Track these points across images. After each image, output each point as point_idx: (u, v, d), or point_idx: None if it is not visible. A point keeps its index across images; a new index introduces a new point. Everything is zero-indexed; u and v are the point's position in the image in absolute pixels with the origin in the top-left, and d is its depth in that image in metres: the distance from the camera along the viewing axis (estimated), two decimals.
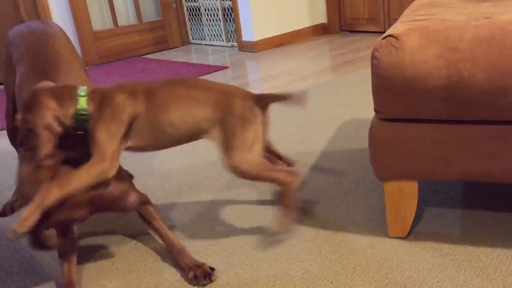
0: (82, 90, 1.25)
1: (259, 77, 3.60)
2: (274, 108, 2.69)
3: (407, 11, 1.54)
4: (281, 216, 1.37)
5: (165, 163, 2.17)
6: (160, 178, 2.01)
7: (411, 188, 1.35)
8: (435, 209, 1.55)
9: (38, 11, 4.17)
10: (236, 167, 1.29)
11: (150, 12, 4.96)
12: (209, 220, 1.65)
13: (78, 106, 1.23)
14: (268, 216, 1.63)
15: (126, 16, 4.83)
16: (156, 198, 1.85)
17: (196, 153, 2.24)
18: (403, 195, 1.36)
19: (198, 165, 2.11)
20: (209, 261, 1.42)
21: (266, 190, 1.79)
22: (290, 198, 1.35)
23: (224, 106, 1.29)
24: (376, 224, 1.50)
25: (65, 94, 1.24)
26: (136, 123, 1.27)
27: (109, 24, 4.68)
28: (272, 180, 1.33)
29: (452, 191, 1.64)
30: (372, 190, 1.71)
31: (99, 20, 4.64)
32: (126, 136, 1.26)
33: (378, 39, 1.27)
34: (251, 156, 1.29)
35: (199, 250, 1.48)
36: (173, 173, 2.05)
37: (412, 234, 1.43)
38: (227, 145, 1.29)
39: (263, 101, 1.35)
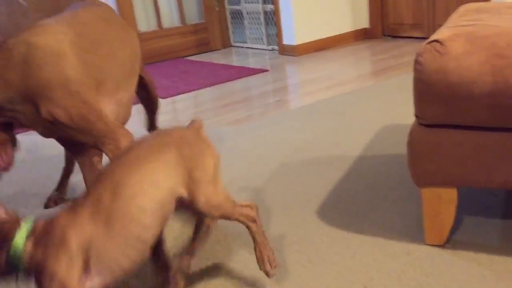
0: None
1: (299, 80, 3.61)
2: (309, 111, 2.71)
3: (453, 17, 1.52)
4: (263, 256, 1.21)
5: None
6: None
7: (450, 195, 1.33)
8: (474, 218, 1.52)
9: None
10: (209, 203, 1.08)
11: (193, 15, 5.05)
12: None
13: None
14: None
15: (170, 18, 4.94)
16: None
17: None
18: (441, 202, 1.34)
19: None
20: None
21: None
22: (259, 232, 1.20)
23: (178, 147, 1.06)
24: (413, 231, 1.48)
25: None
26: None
27: (153, 26, 4.80)
28: (241, 217, 1.16)
29: (493, 200, 1.60)
30: (409, 196, 1.69)
31: (144, 22, 4.76)
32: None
33: (422, 44, 1.26)
34: (219, 188, 1.11)
35: (232, 249, 1.51)
36: None
37: (450, 242, 1.40)
38: (192, 183, 1.06)
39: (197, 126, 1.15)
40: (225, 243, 1.53)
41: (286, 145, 2.28)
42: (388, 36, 4.61)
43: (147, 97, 1.99)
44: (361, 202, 1.70)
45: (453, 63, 1.18)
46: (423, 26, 4.25)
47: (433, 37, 1.25)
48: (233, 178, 2.01)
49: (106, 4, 1.72)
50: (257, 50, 4.86)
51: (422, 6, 4.21)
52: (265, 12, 4.75)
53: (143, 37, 4.64)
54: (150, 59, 4.64)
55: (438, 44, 1.20)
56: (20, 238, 0.94)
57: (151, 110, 2.06)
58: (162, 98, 3.30)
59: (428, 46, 1.22)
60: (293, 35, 4.34)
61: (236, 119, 2.81)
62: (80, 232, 0.94)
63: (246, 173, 2.04)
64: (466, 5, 1.70)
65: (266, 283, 1.32)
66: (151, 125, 2.11)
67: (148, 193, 0.99)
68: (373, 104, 2.73)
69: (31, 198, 2.04)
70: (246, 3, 4.91)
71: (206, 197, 1.07)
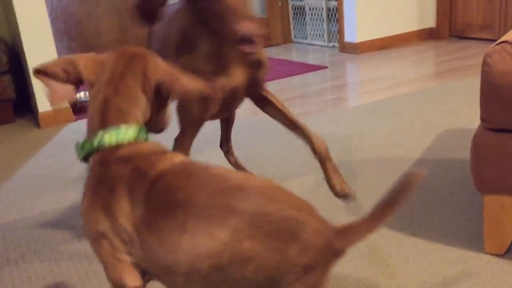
0: None
1: (358, 79, 3.56)
2: (368, 110, 2.66)
3: None
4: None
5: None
6: None
7: None
8: None
9: None
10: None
11: (255, 9, 5.09)
12: None
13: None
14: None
15: None
16: None
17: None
18: (504, 210, 1.29)
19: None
20: None
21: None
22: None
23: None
24: (471, 238, 1.44)
25: None
26: None
27: None
28: None
29: None
30: (469, 202, 1.63)
31: None
32: None
33: (490, 46, 1.21)
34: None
35: None
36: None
37: (510, 252, 1.35)
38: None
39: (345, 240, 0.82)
40: None
41: (342, 143, 2.27)
42: (455, 37, 4.44)
43: None
44: (418, 205, 1.66)
45: None
46: (494, 28, 4.06)
47: (504, 38, 1.20)
48: (287, 175, 2.02)
49: None
50: (317, 47, 4.83)
51: (493, 6, 4.02)
52: (328, 9, 4.71)
53: None
54: None
55: (509, 45, 1.16)
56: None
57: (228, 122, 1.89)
58: None
59: (498, 47, 1.18)
60: (355, 32, 4.28)
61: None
62: None
63: (301, 168, 2.05)
64: None
65: None
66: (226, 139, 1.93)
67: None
68: (435, 106, 2.65)
69: None
70: None
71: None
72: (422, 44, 4.39)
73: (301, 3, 5.01)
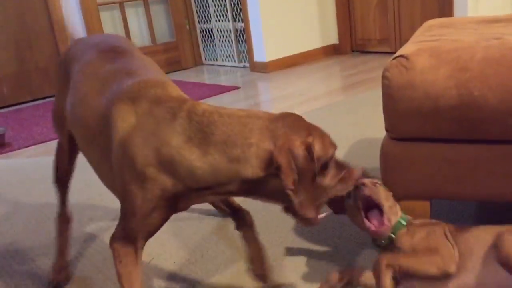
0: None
1: (271, 97, 3.63)
2: None
3: (418, 32, 1.56)
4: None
5: None
6: None
7: (423, 208, 1.35)
8: None
9: (55, 33, 4.27)
10: None
11: (163, 34, 5.05)
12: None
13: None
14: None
15: (140, 37, 4.92)
16: None
17: None
18: (415, 215, 1.34)
19: None
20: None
21: None
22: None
23: None
24: None
25: None
26: None
27: None
28: None
29: (465, 210, 1.63)
30: None
31: None
32: None
33: (389, 59, 1.28)
34: None
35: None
36: None
37: None
38: None
39: None
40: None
41: None
42: (357, 51, 4.70)
43: None
44: (336, 216, 1.69)
45: (418, 78, 1.20)
46: (390, 41, 4.35)
47: (399, 52, 1.27)
48: None
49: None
50: (228, 68, 4.88)
51: (388, 22, 4.31)
52: (236, 30, 4.79)
53: None
54: None
55: (404, 59, 1.23)
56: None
57: None
58: None
59: (394, 62, 1.24)
60: (263, 52, 4.38)
61: None
62: None
63: None
64: (430, 20, 1.75)
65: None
66: None
67: None
68: (345, 119, 2.76)
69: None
70: (216, 21, 4.94)
71: None
72: (327, 60, 4.59)
73: (208, 26, 5.05)
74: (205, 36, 5.16)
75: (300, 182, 0.93)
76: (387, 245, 1.19)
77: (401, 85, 1.21)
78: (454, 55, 1.20)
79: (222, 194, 1.02)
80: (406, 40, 1.46)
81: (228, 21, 4.80)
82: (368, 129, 2.54)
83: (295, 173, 0.92)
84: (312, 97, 3.36)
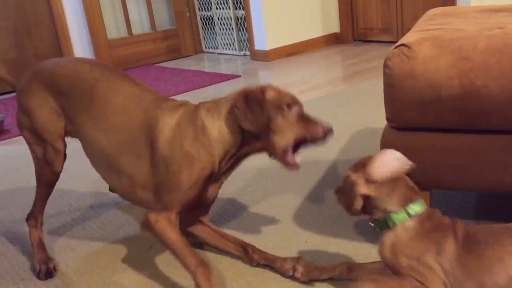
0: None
1: None
2: None
3: (420, 21, 1.54)
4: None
5: None
6: None
7: (423, 198, 1.34)
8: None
9: (54, 20, 4.24)
10: None
11: (164, 21, 5.01)
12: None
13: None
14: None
15: (140, 24, 4.89)
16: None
17: None
18: None
19: None
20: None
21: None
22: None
23: None
24: None
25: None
26: None
27: (123, 33, 4.74)
28: None
29: (465, 201, 1.63)
30: None
31: (114, 29, 4.70)
32: None
33: (391, 48, 1.27)
34: None
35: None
36: None
37: None
38: None
39: None
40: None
41: None
42: (359, 40, 4.67)
43: None
44: (336, 206, 1.69)
45: (421, 67, 1.19)
46: (392, 30, 4.32)
47: (401, 41, 1.26)
48: None
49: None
50: (229, 56, 4.85)
51: (391, 11, 4.28)
52: (237, 18, 4.75)
53: (113, 44, 4.58)
54: (120, 66, 4.58)
55: (406, 48, 1.22)
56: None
57: None
58: None
59: (396, 51, 1.23)
60: (264, 40, 4.35)
61: None
62: None
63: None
64: (433, 9, 1.73)
65: None
66: None
67: None
68: (346, 108, 2.75)
69: None
70: (217, 9, 4.90)
71: None
72: (329, 49, 4.56)
73: (209, 13, 5.02)
74: (206, 23, 5.12)
75: (258, 120, 1.24)
76: (383, 228, 1.11)
77: (403, 74, 1.21)
78: (457, 45, 1.19)
79: (236, 157, 1.35)
80: (408, 30, 1.45)
81: (229, 8, 4.77)
82: (369, 118, 2.53)
83: (250, 111, 1.24)
84: (313, 86, 3.35)
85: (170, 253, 1.30)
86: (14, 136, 2.93)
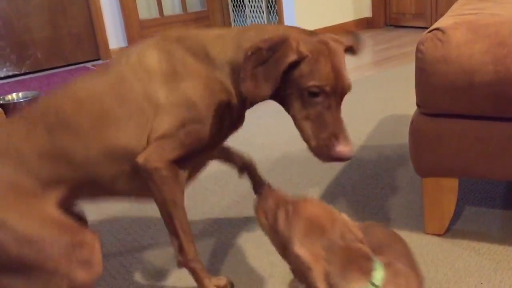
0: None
1: None
2: None
3: (455, 6, 1.51)
4: None
5: None
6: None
7: (451, 185, 1.33)
8: (474, 208, 1.52)
9: (89, 1, 4.30)
10: None
11: (195, 2, 5.02)
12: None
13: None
14: None
15: (171, 5, 4.91)
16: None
17: None
18: (443, 192, 1.34)
19: None
20: None
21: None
22: None
23: None
24: (413, 220, 1.49)
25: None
26: None
27: (155, 14, 4.77)
28: None
29: (493, 190, 1.61)
30: (410, 186, 1.69)
31: (146, 9, 4.73)
32: None
33: (424, 33, 1.25)
34: None
35: None
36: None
37: (450, 231, 1.41)
38: None
39: None
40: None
41: (287, 134, 2.28)
42: (391, 25, 4.58)
43: None
44: (362, 191, 1.70)
45: (454, 52, 1.17)
46: (426, 16, 4.22)
47: (435, 25, 1.24)
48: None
49: None
50: None
51: None
52: (267, 1, 4.72)
53: (144, 25, 4.61)
54: None
55: (440, 32, 1.20)
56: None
57: None
58: None
59: (430, 35, 1.21)
60: (294, 23, 4.31)
61: None
62: None
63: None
64: None
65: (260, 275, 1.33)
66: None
67: None
68: (375, 94, 2.72)
69: None
70: None
71: None
72: (360, 33, 4.49)
73: None
74: (237, 6, 5.11)
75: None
76: None
77: (436, 59, 1.19)
78: (492, 30, 1.16)
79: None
80: (443, 15, 1.42)
81: None
82: (397, 105, 2.50)
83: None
84: None
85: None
86: None
